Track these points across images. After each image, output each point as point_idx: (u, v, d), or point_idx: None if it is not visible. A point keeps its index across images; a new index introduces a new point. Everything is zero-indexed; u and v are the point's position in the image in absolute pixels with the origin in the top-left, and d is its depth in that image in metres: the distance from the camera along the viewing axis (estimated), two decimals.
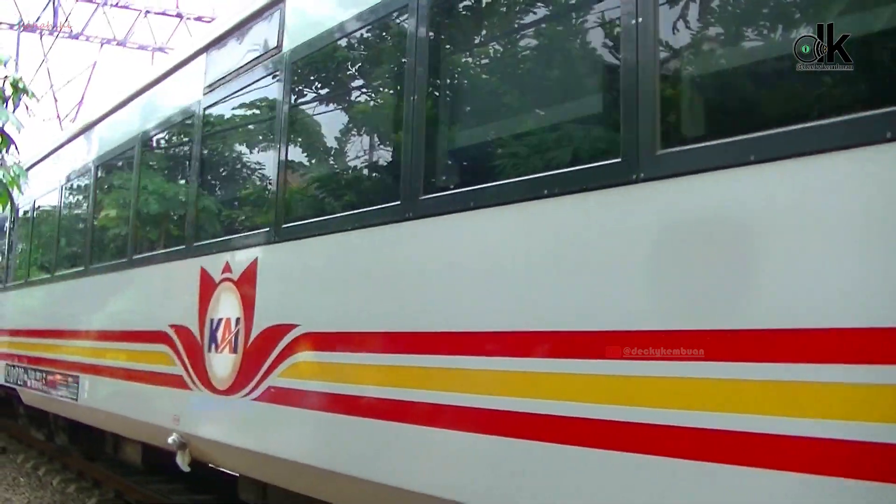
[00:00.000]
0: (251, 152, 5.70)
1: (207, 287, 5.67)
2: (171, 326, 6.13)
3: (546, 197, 3.31)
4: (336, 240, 4.45)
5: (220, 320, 5.49)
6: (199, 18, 24.43)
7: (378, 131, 4.50)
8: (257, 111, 5.53)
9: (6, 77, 7.33)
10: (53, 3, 23.74)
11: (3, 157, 7.64)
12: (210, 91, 5.97)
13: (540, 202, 3.32)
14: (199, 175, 6.07)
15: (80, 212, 8.91)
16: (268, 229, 5.05)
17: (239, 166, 5.81)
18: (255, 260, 5.14)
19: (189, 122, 6.26)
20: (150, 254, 6.80)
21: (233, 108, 5.80)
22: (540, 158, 3.50)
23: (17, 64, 22.37)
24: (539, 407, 3.15)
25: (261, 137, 5.55)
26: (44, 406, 9.71)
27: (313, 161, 5.02)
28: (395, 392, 3.90)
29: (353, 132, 4.67)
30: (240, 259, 5.31)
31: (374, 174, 4.50)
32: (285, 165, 4.98)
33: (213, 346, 5.54)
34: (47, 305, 9.48)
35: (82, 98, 25.50)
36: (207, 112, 6.00)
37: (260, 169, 5.52)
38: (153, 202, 6.98)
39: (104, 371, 7.38)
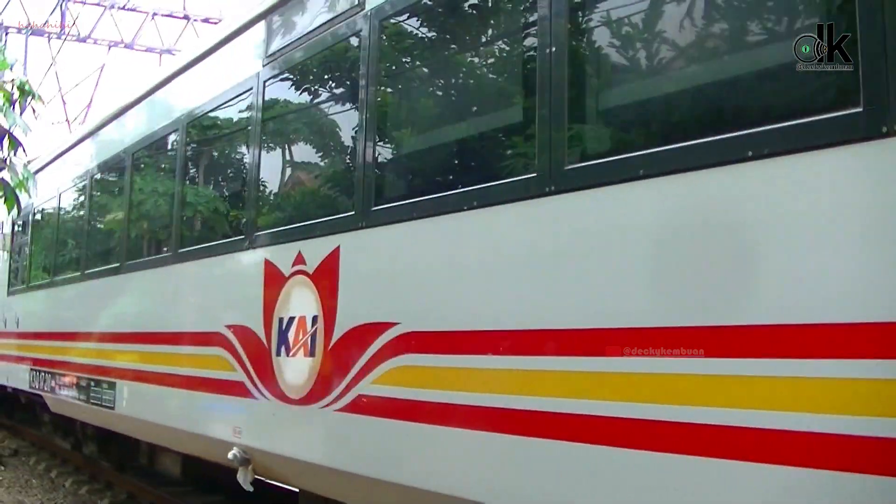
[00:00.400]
0: (326, 125, 5.00)
1: (274, 282, 4.98)
2: (229, 327, 5.44)
3: (753, 159, 2.63)
4: (447, 222, 3.75)
5: (291, 319, 4.80)
6: (206, 20, 24.30)
7: (500, 92, 3.80)
8: (334, 78, 4.84)
9: (13, 80, 7.23)
10: (61, 7, 23.48)
11: (10, 159, 7.32)
12: (272, 61, 5.27)
13: (750, 165, 2.63)
14: (259, 155, 5.36)
15: (113, 204, 8.21)
16: (353, 213, 4.35)
17: (311, 142, 5.11)
18: (337, 249, 4.44)
19: (246, 96, 5.56)
20: (199, 247, 6.10)
21: (301, 78, 5.10)
22: (741, 109, 2.81)
23: (24, 67, 22.14)
24: None
25: (339, 108, 4.85)
26: (74, 414, 9.04)
27: (410, 132, 4.33)
28: (536, 402, 3.22)
29: (463, 95, 3.95)
30: (316, 248, 4.62)
31: (495, 143, 3.79)
32: (374, 138, 4.28)
33: (284, 349, 4.85)
34: (76, 307, 8.79)
35: (91, 100, 25.30)
36: (269, 84, 5.30)
37: (339, 144, 4.82)
38: (202, 189, 6.30)
39: (146, 377, 6.69)
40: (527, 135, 3.48)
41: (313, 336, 4.59)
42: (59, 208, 9.88)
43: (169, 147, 6.77)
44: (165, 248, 6.67)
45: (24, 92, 7.25)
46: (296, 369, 4.71)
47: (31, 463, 11.26)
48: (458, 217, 3.70)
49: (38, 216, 10.91)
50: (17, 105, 7.28)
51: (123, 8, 24.13)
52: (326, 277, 4.51)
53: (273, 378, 4.92)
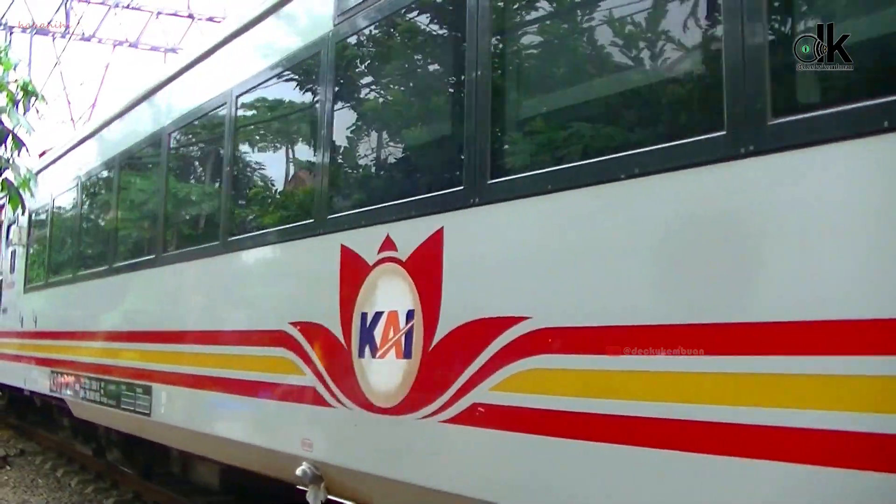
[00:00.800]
0: (420, 87, 4.30)
1: (354, 271, 4.30)
2: (295, 325, 4.76)
3: None
4: (598, 194, 3.07)
5: (378, 315, 4.12)
6: (210, 19, 24.19)
7: (670, 33, 3.10)
8: (434, 29, 4.14)
9: (17, 80, 7.39)
10: (65, 6, 23.33)
11: (13, 160, 7.57)
12: (346, 19, 4.57)
13: None
14: (330, 125, 4.65)
15: (147, 189, 7.52)
16: (461, 188, 3.67)
17: (399, 107, 4.40)
18: (439, 231, 3.76)
19: (313, 60, 4.87)
20: (254, 234, 5.41)
21: (386, 35, 4.41)
22: None
23: (29, 67, 22.04)
24: None
25: (437, 65, 4.15)
26: (101, 420, 8.35)
27: (537, 88, 3.63)
28: (742, 414, 2.55)
29: (615, 37, 3.25)
30: (411, 231, 3.94)
31: (660, 94, 3.10)
32: (489, 98, 3.58)
33: (368, 348, 4.17)
34: (103, 304, 8.09)
35: (95, 100, 25.09)
36: (343, 45, 4.61)
37: (439, 108, 4.12)
38: (256, 167, 5.61)
39: (189, 381, 6.00)
40: (709, 82, 2.80)
41: (408, 334, 3.91)
42: (82, 197, 9.18)
43: (215, 123, 6.07)
44: (211, 237, 5.97)
45: (28, 92, 7.40)
46: (385, 373, 4.03)
47: (37, 462, 11.10)
48: (612, 188, 3.02)
49: (58, 207, 10.20)
50: (20, 105, 7.42)
51: (128, 7, 24.05)
52: (426, 265, 3.83)
53: (354, 383, 4.23)
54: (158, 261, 6.72)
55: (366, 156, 4.65)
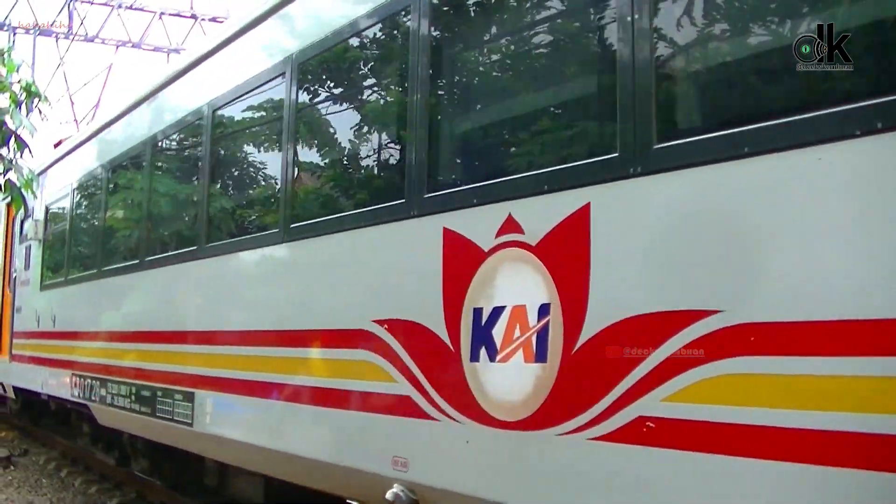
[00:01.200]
0: (553, 30, 3.59)
1: (463, 259, 3.65)
2: (381, 323, 4.11)
3: None
4: (823, 156, 2.42)
5: (498, 310, 3.47)
6: (213, 19, 24.09)
7: None
8: None
9: (20, 81, 7.49)
10: (68, 7, 23.06)
11: (16, 161, 7.69)
12: None
13: None
14: (426, 86, 3.94)
15: (184, 173, 6.86)
16: (616, 156, 3.03)
17: (523, 58, 3.72)
18: (585, 208, 3.11)
19: (402, 15, 4.21)
20: (323, 219, 4.74)
21: None
22: None
23: (32, 68, 21.86)
24: None
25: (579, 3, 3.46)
26: (132, 430, 7.69)
27: (726, 25, 2.96)
28: None
29: None
30: (542, 210, 3.29)
31: None
32: (649, 46, 2.93)
33: (484, 350, 3.52)
34: (133, 301, 7.43)
35: (99, 100, 24.87)
36: None
37: (577, 56, 3.45)
38: (324, 143, 4.95)
39: (243, 387, 5.33)
40: None
41: (542, 333, 3.26)
42: (109, 186, 8.49)
43: (271, 95, 5.39)
44: (269, 224, 5.32)
45: (31, 93, 7.48)
46: (510, 380, 3.39)
47: (41, 462, 11.07)
48: (842, 147, 2.38)
49: (79, 198, 9.51)
50: (23, 106, 7.48)
51: (131, 7, 23.83)
52: (565, 249, 3.18)
53: (465, 392, 3.58)
54: (201, 252, 6.06)
55: (475, 122, 3.99)
